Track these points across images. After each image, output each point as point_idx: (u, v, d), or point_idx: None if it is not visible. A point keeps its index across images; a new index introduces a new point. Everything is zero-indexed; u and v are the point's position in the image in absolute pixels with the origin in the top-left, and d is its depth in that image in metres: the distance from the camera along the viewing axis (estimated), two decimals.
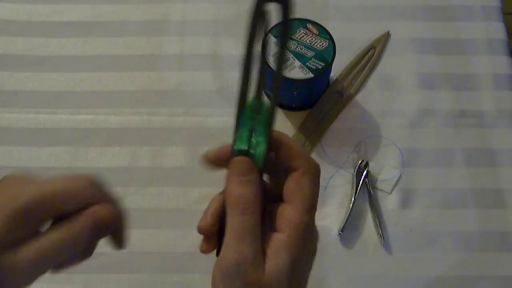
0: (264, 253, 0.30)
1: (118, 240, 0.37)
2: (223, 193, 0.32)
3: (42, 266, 0.30)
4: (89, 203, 0.32)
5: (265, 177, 0.35)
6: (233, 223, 0.30)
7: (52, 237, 0.30)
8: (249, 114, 0.33)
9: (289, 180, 0.33)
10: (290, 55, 0.59)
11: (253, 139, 0.33)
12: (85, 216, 0.31)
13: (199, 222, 0.34)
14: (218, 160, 0.34)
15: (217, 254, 0.34)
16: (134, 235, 0.61)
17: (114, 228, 0.33)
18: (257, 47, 0.33)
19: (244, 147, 0.33)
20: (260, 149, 0.32)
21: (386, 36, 0.71)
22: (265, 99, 0.34)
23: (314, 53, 0.59)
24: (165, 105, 0.66)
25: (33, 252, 0.29)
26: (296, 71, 0.58)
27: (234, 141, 0.33)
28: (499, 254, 0.59)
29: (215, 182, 0.61)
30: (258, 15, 0.32)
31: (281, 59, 0.34)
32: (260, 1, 0.32)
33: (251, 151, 0.33)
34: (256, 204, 0.30)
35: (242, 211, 0.30)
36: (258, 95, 0.34)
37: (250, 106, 0.33)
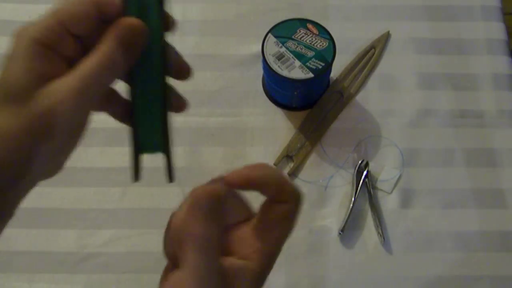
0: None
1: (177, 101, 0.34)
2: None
3: (87, 96, 0.28)
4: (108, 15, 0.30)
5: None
6: (194, 260, 0.28)
7: (86, 64, 0.29)
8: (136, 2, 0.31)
9: (274, 208, 0.32)
10: (290, 55, 0.59)
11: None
12: (110, 33, 0.29)
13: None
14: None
15: None
16: (134, 235, 0.61)
17: (144, 41, 0.30)
18: None
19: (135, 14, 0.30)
20: (155, 23, 0.31)
21: (386, 36, 0.71)
22: None
23: (314, 53, 0.59)
24: None
25: (74, 80, 0.28)
26: (296, 71, 0.58)
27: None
28: (499, 254, 0.58)
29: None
30: None
31: None
32: None
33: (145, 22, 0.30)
34: (217, 243, 0.29)
35: (205, 250, 0.28)
36: None
37: None
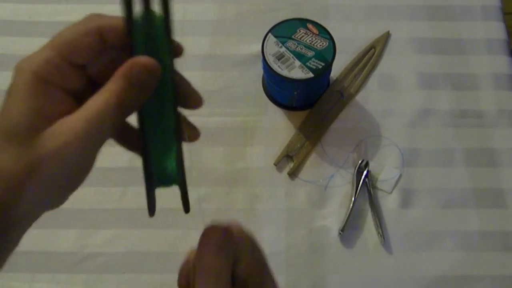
0: None
1: (192, 97, 0.33)
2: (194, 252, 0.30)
3: (94, 138, 0.27)
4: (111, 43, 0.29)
5: None
6: None
7: (93, 104, 0.27)
8: (142, 31, 0.29)
9: None
10: (290, 55, 0.59)
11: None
12: (120, 72, 0.28)
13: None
14: None
15: None
16: (134, 235, 0.61)
17: (156, 79, 0.29)
18: None
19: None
20: (167, 69, 0.29)
21: (386, 36, 0.71)
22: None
23: (314, 53, 0.59)
24: None
25: (80, 121, 0.26)
26: (296, 71, 0.58)
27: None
28: (499, 254, 0.58)
29: (215, 182, 0.62)
30: None
31: None
32: None
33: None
34: (229, 276, 0.29)
35: (215, 282, 0.28)
36: (146, 5, 0.29)
37: (142, 20, 0.29)
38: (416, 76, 0.68)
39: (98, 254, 0.59)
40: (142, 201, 0.53)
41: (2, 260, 0.28)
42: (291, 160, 0.63)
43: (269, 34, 0.60)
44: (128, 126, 0.33)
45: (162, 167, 0.31)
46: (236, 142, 0.64)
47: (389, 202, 0.61)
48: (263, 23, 0.61)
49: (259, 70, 0.65)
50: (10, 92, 0.28)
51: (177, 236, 0.58)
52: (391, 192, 0.61)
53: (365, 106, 0.67)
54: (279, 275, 0.57)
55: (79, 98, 0.29)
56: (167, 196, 0.62)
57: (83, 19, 0.30)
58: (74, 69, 0.29)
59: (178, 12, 0.74)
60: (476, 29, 0.71)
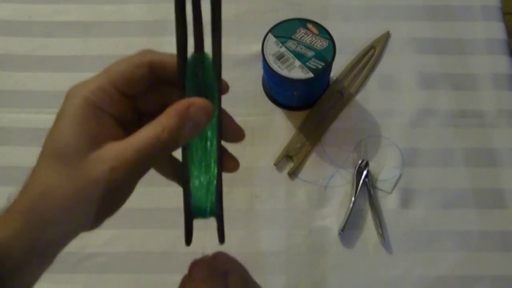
0: None
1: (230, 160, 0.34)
2: None
3: (141, 168, 0.28)
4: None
5: None
6: None
7: (145, 135, 0.28)
8: (192, 70, 0.31)
9: None
10: (290, 55, 0.59)
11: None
12: (175, 109, 0.29)
13: None
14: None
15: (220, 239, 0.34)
16: (134, 235, 0.61)
17: (206, 122, 0.30)
18: None
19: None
20: (214, 103, 0.31)
21: (386, 36, 0.71)
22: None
23: (314, 53, 0.59)
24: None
25: (130, 149, 0.27)
26: (296, 71, 0.58)
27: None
28: (499, 254, 0.58)
29: None
30: None
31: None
32: None
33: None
34: None
35: None
36: (199, 47, 0.31)
37: (192, 61, 0.31)
38: (416, 76, 0.68)
39: (98, 254, 0.59)
40: (142, 201, 0.53)
41: (36, 279, 0.29)
42: (291, 160, 0.63)
43: (269, 34, 0.60)
44: (170, 156, 0.34)
45: (202, 201, 0.32)
46: None
47: (389, 202, 0.61)
48: (263, 23, 0.61)
49: (259, 70, 0.65)
50: (60, 114, 0.29)
51: (177, 236, 0.58)
52: (391, 192, 0.61)
53: (365, 106, 0.67)
54: (279, 275, 0.57)
55: (125, 126, 0.31)
56: (167, 196, 0.62)
57: (137, 53, 0.32)
58: (124, 99, 0.31)
59: None
60: (476, 29, 0.71)
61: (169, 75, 0.31)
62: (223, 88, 0.33)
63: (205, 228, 0.34)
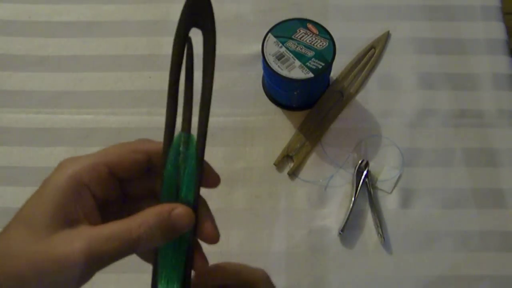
0: None
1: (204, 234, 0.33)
2: None
3: (100, 262, 0.28)
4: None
5: None
6: None
7: (119, 227, 0.28)
8: (176, 150, 0.31)
9: None
10: (290, 55, 0.59)
11: (182, 186, 0.31)
12: (154, 212, 0.29)
13: None
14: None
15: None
16: None
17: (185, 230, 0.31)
18: (183, 75, 0.32)
19: (172, 198, 0.31)
20: (190, 195, 0.31)
21: (386, 36, 0.71)
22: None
23: (314, 53, 0.59)
24: (165, 105, 0.66)
25: (93, 239, 0.27)
26: (296, 71, 0.58)
27: (162, 186, 0.31)
28: (499, 254, 0.58)
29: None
30: (183, 41, 0.31)
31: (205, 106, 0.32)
32: (184, 25, 0.31)
33: (182, 193, 0.31)
34: None
35: None
36: (185, 128, 0.32)
37: (178, 141, 0.31)
38: (416, 76, 0.68)
39: None
40: None
41: None
42: (291, 160, 0.63)
43: (269, 34, 0.60)
44: None
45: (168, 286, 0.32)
46: (236, 142, 0.64)
47: (389, 202, 0.61)
48: (263, 23, 0.61)
49: (259, 70, 0.65)
50: (46, 183, 0.29)
51: None
52: (391, 192, 0.61)
53: (365, 106, 0.67)
54: (279, 275, 0.57)
55: (106, 207, 0.31)
56: None
57: (135, 141, 0.32)
58: (113, 180, 0.31)
59: (178, 12, 0.74)
60: (476, 29, 0.71)
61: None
62: (213, 180, 0.33)
63: None
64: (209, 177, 0.33)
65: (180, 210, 0.29)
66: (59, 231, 0.27)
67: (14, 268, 0.27)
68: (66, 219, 0.28)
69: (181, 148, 0.31)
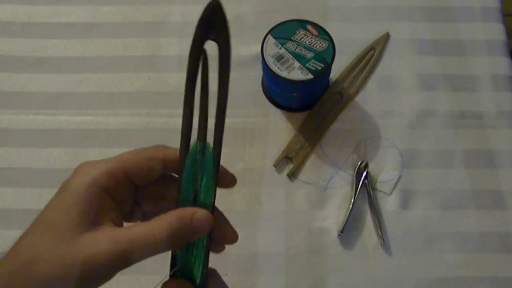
0: None
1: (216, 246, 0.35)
2: None
3: (123, 262, 0.29)
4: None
5: None
6: None
7: (137, 233, 0.29)
8: (192, 157, 0.33)
9: None
10: (290, 56, 0.59)
11: (200, 191, 0.33)
12: (176, 215, 0.30)
13: None
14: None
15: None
16: None
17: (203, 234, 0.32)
18: (199, 85, 0.33)
19: (189, 203, 0.32)
20: (208, 200, 0.33)
21: (386, 37, 0.71)
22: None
23: (313, 54, 0.59)
24: (165, 106, 0.66)
25: (117, 242, 0.28)
26: (295, 72, 0.58)
27: (179, 192, 0.32)
28: (499, 255, 0.58)
29: None
30: (198, 53, 0.32)
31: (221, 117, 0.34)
32: (199, 38, 0.32)
33: (200, 198, 0.32)
34: None
35: None
36: (201, 136, 0.33)
37: (194, 149, 0.33)
38: (415, 77, 0.68)
39: None
40: None
41: None
42: (291, 161, 0.63)
43: (269, 35, 0.60)
44: None
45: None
46: (235, 143, 0.64)
47: (388, 204, 0.61)
48: (263, 24, 0.61)
49: (258, 72, 0.65)
50: (66, 188, 0.30)
51: None
52: (390, 194, 0.61)
53: (365, 107, 0.67)
54: (279, 276, 0.57)
55: (122, 210, 0.32)
56: None
57: (152, 147, 0.33)
58: (129, 186, 0.32)
59: (177, 13, 0.74)
60: (476, 30, 0.72)
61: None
62: (230, 181, 0.35)
63: None
64: (225, 178, 0.34)
65: (201, 214, 0.31)
66: (84, 234, 0.28)
67: (43, 272, 0.27)
68: (90, 223, 0.29)
69: (197, 156, 0.32)
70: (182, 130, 0.32)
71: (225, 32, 0.32)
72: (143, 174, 0.32)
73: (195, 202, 0.32)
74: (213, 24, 0.31)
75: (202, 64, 0.32)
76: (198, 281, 0.32)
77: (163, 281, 0.33)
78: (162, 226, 0.29)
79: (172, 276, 0.33)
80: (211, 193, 0.33)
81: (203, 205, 0.32)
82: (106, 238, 0.28)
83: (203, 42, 0.32)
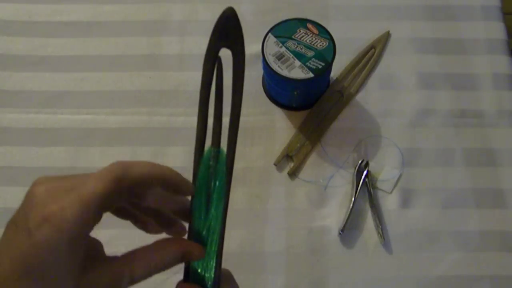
0: None
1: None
2: None
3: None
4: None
5: None
6: None
7: (137, 263, 0.31)
8: (206, 163, 0.33)
9: None
10: (291, 55, 0.59)
11: (212, 200, 0.34)
12: (177, 249, 0.32)
13: None
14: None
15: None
16: (134, 235, 0.61)
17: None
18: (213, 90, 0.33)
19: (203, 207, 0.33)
20: (220, 206, 0.34)
21: (386, 36, 0.71)
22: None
23: (314, 53, 0.59)
24: (165, 105, 0.66)
25: (109, 274, 0.30)
26: (296, 71, 0.58)
27: (193, 198, 0.33)
28: (500, 254, 0.58)
29: None
30: (213, 61, 0.32)
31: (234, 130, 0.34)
32: (214, 46, 0.32)
33: (211, 210, 0.34)
34: None
35: None
36: (215, 142, 0.34)
37: (208, 155, 0.33)
38: (416, 76, 0.68)
39: None
40: None
41: None
42: (291, 160, 0.63)
43: (269, 34, 0.60)
44: None
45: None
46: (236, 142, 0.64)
47: (389, 202, 0.61)
48: (263, 23, 0.61)
49: (259, 70, 0.65)
50: (59, 212, 0.27)
51: None
52: (391, 192, 0.61)
53: (365, 106, 0.67)
54: (279, 275, 0.57)
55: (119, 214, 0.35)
56: None
57: (160, 166, 0.32)
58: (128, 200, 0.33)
59: (178, 12, 0.74)
60: (476, 29, 0.71)
61: (173, 185, 0.32)
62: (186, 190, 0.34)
63: None
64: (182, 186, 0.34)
65: (196, 252, 0.33)
66: (80, 283, 0.29)
67: None
68: (80, 268, 0.29)
69: (211, 162, 0.33)
70: (197, 136, 0.33)
71: (239, 40, 0.32)
72: (141, 195, 0.32)
73: (207, 207, 0.33)
74: (227, 32, 0.32)
75: (217, 72, 0.33)
76: (209, 283, 0.33)
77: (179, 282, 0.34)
78: (158, 260, 0.33)
79: (185, 277, 0.34)
80: (223, 200, 0.34)
81: (212, 228, 0.34)
82: (105, 280, 0.30)
83: (217, 50, 0.32)
